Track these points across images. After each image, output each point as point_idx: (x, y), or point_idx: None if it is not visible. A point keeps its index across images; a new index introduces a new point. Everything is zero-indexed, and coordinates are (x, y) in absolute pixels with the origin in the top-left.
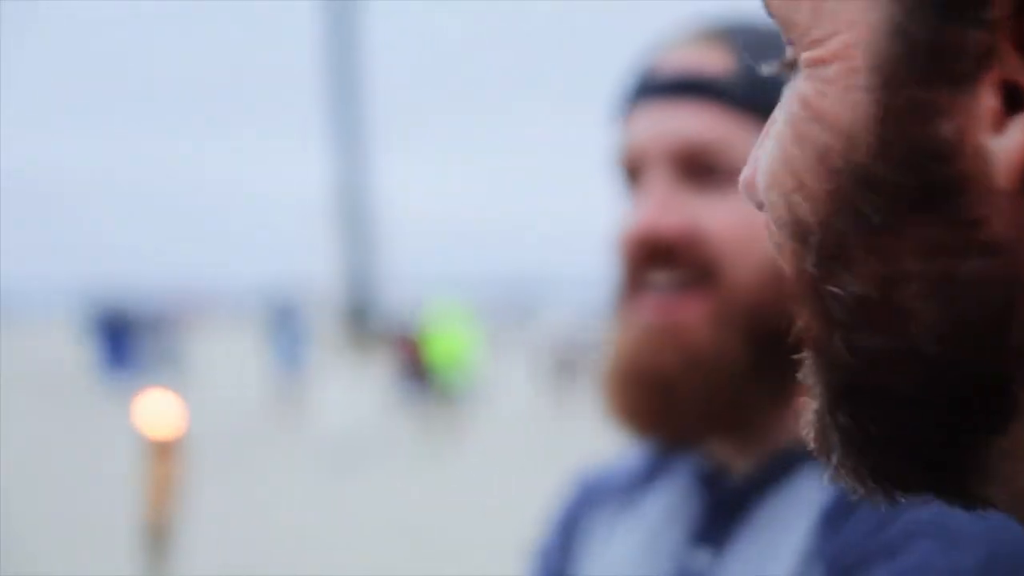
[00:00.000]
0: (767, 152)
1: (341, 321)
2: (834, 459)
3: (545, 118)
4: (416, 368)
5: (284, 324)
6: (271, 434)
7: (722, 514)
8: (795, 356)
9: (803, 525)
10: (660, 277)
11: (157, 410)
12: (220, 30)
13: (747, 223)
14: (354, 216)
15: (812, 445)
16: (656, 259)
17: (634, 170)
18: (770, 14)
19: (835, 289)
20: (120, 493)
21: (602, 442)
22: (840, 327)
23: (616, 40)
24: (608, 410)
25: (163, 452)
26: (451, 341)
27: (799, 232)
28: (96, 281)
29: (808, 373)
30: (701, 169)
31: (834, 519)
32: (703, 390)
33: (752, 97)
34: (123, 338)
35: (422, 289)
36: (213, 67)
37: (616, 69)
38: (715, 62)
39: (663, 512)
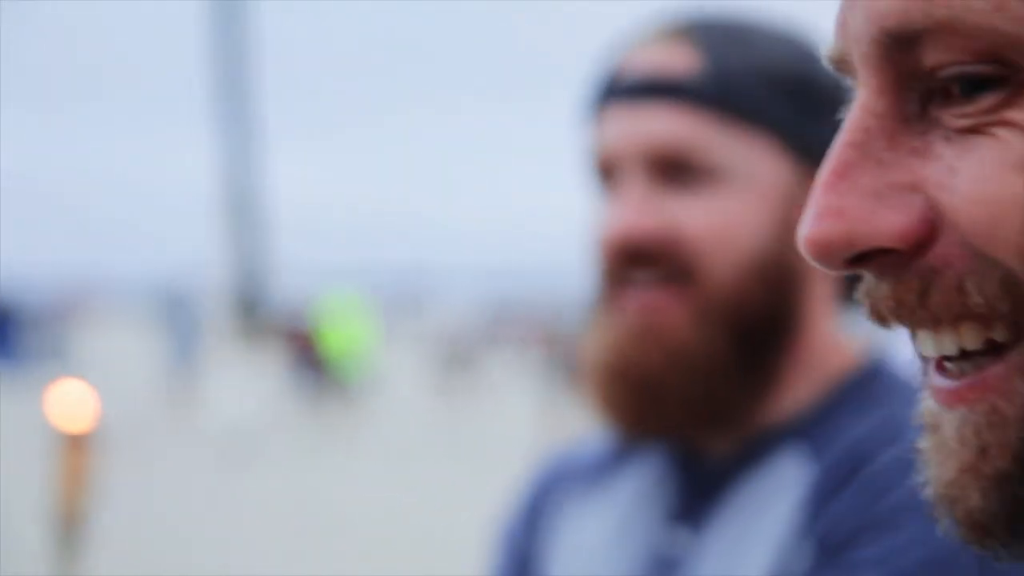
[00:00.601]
0: (995, 193)
1: (232, 313)
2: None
3: (438, 113)
4: (309, 359)
5: (175, 316)
6: (162, 427)
7: (700, 494)
8: (777, 351)
9: (783, 504)
10: (640, 276)
11: (69, 401)
12: (105, 19)
13: (722, 222)
14: (244, 208)
15: (969, 518)
16: (635, 261)
17: (607, 173)
18: (950, 25)
19: None
20: (18, 485)
21: (493, 431)
22: None
23: (517, 37)
24: (594, 406)
25: (75, 444)
26: (344, 332)
27: None
28: None
29: (1002, 435)
30: (674, 170)
31: (822, 496)
32: (687, 386)
33: (721, 95)
34: (7, 331)
35: (314, 280)
36: (100, 56)
37: (517, 66)
38: (682, 61)
39: (637, 493)
